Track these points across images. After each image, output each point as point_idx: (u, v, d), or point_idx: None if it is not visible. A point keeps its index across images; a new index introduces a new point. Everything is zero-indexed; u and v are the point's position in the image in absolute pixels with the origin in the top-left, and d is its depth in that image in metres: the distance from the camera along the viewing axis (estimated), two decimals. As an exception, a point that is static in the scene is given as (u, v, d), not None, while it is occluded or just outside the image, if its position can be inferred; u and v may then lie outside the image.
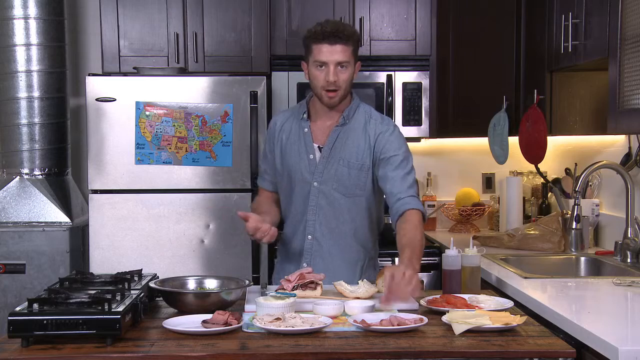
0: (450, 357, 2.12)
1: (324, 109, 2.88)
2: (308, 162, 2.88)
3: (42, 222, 4.08)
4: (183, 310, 2.48)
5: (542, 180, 4.37)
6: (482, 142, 4.36)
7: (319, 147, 2.89)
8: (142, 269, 2.80)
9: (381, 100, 4.25)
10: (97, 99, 3.87)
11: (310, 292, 2.60)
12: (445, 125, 4.33)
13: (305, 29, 2.90)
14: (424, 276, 3.94)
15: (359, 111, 2.92)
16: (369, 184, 2.88)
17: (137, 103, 3.87)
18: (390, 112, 4.24)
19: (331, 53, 2.75)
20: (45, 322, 2.14)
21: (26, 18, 4.13)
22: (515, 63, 4.28)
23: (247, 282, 2.67)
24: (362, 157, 2.85)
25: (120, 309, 2.20)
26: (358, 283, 2.65)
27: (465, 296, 2.57)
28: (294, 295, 2.47)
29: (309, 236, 2.91)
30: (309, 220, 2.90)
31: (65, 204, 4.17)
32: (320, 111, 2.90)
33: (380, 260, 3.86)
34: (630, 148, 3.59)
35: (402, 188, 2.77)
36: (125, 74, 4.01)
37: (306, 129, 2.90)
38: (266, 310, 2.36)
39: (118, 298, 2.32)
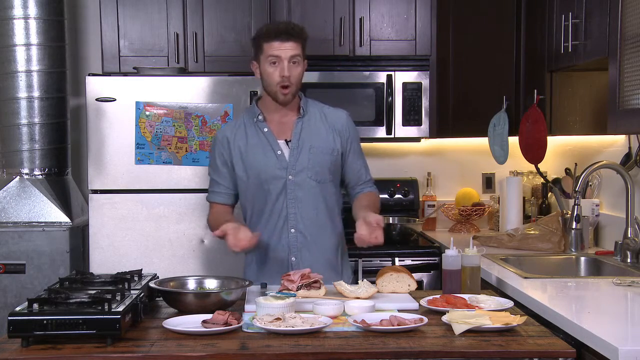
0: (450, 357, 2.12)
1: (277, 107, 2.97)
2: (277, 158, 2.94)
3: (42, 222, 4.08)
4: (183, 310, 2.49)
5: (542, 180, 4.37)
6: (482, 142, 4.36)
7: (285, 141, 2.96)
8: (142, 269, 2.80)
9: (381, 100, 4.25)
10: (97, 99, 3.87)
11: (314, 292, 2.60)
12: (445, 125, 4.33)
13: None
14: (424, 276, 3.94)
15: (310, 104, 3.04)
16: (338, 167, 3.00)
17: (137, 103, 3.87)
18: (390, 112, 4.24)
19: (285, 49, 2.86)
20: (45, 322, 2.14)
21: (26, 18, 4.13)
22: (515, 63, 4.28)
23: (247, 282, 2.67)
24: (331, 142, 2.98)
25: (120, 309, 2.20)
26: (359, 282, 2.66)
27: (465, 296, 2.57)
28: (294, 295, 2.47)
29: (292, 230, 2.95)
30: (290, 214, 2.94)
31: (65, 204, 4.17)
32: (274, 110, 2.98)
33: (380, 260, 3.90)
34: (630, 148, 3.59)
35: (366, 177, 3.09)
36: (125, 74, 4.01)
37: (266, 129, 2.97)
38: (266, 310, 2.36)
39: (118, 298, 2.32)
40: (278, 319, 2.29)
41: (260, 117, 2.97)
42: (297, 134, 2.95)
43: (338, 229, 3.04)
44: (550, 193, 4.33)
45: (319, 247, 2.97)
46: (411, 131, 4.29)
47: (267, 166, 2.94)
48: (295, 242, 2.95)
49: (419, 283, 3.57)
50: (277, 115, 2.98)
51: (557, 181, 4.20)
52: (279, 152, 2.94)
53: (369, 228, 2.71)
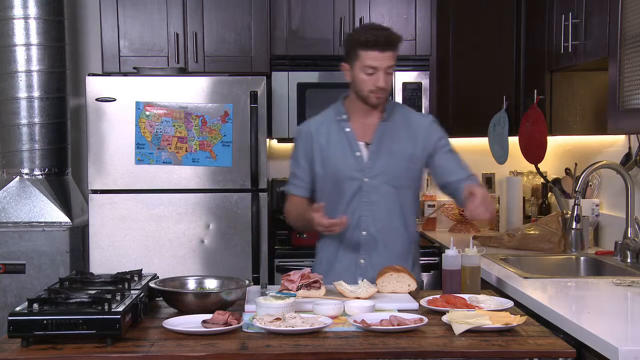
0: (450, 357, 2.12)
1: (363, 108, 2.93)
2: (355, 160, 2.91)
3: (42, 222, 4.08)
4: (183, 310, 2.48)
5: (542, 180, 4.37)
6: (482, 142, 4.36)
7: (365, 143, 2.93)
8: (142, 269, 2.79)
9: (381, 100, 4.24)
10: (97, 99, 3.87)
11: (314, 292, 2.60)
12: (445, 125, 4.26)
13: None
14: (424, 276, 3.94)
15: (396, 107, 3.01)
16: (417, 175, 2.97)
17: (137, 103, 3.87)
18: (390, 112, 4.24)
19: (382, 60, 2.83)
20: (45, 322, 2.14)
21: (26, 18, 4.13)
22: (515, 63, 4.28)
23: (247, 282, 2.67)
24: (411, 149, 2.93)
25: (120, 309, 2.20)
26: (359, 282, 2.66)
27: (465, 296, 2.57)
28: (294, 295, 2.47)
29: (364, 232, 2.93)
30: (362, 216, 2.92)
31: (65, 204, 4.17)
32: (359, 111, 2.94)
33: (380, 260, 3.89)
34: (630, 148, 3.59)
35: (464, 172, 2.95)
36: (125, 74, 4.01)
37: (348, 129, 2.94)
38: (266, 310, 2.36)
39: (118, 298, 2.32)
40: (278, 319, 2.29)
41: (344, 117, 2.94)
42: (377, 138, 2.92)
43: (412, 236, 3.02)
44: (550, 193, 4.33)
45: (389, 252, 2.94)
46: (411, 131, 4.28)
47: (344, 166, 2.91)
48: (365, 245, 2.93)
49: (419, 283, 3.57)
50: (361, 116, 2.94)
51: (557, 181, 4.20)
52: (358, 154, 2.91)
53: (474, 202, 2.66)
